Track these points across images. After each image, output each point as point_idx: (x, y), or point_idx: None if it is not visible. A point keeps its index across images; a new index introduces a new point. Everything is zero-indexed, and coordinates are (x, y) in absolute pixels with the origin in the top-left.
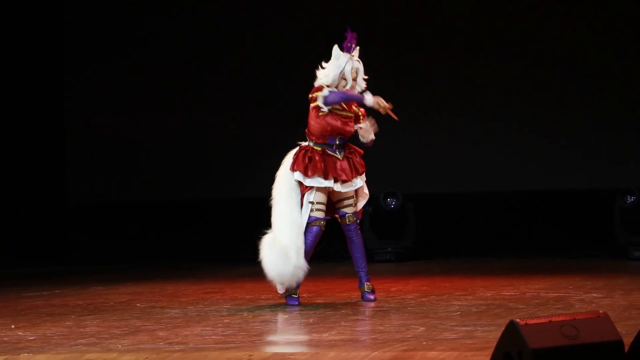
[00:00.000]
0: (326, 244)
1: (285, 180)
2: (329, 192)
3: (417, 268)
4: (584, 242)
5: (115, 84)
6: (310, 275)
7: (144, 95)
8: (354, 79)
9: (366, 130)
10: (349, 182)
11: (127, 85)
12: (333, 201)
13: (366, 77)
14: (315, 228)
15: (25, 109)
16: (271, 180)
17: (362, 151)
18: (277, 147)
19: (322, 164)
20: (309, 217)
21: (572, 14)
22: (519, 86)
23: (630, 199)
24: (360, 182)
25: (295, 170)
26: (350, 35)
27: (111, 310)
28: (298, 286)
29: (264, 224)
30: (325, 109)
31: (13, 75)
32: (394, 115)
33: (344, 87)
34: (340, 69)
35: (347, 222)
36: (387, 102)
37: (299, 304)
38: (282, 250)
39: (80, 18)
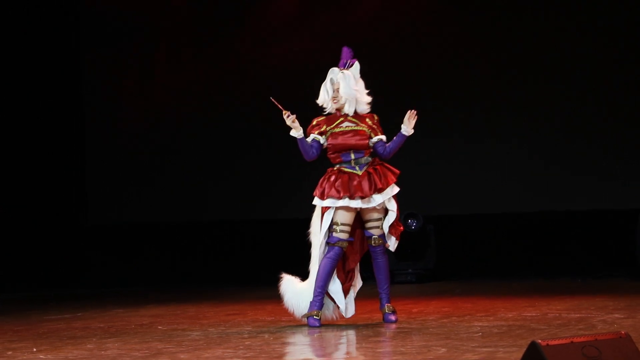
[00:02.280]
0: None
1: (317, 220)
2: (356, 211)
3: (438, 289)
4: (605, 262)
5: (136, 105)
6: None
7: (165, 117)
8: (337, 90)
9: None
10: (368, 198)
11: (149, 106)
12: (363, 220)
13: (368, 90)
14: (336, 249)
15: (46, 134)
16: (292, 201)
17: (397, 171)
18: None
19: (336, 183)
20: (331, 237)
21: (586, 32)
22: (541, 110)
23: None
24: (379, 198)
25: (315, 195)
26: (344, 53)
27: (132, 332)
28: (320, 308)
29: (284, 245)
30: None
31: (34, 97)
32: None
33: (331, 98)
34: (324, 84)
35: (373, 244)
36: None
37: (320, 326)
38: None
39: (97, 25)
